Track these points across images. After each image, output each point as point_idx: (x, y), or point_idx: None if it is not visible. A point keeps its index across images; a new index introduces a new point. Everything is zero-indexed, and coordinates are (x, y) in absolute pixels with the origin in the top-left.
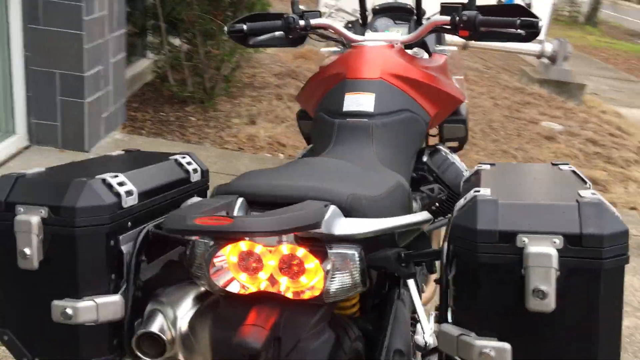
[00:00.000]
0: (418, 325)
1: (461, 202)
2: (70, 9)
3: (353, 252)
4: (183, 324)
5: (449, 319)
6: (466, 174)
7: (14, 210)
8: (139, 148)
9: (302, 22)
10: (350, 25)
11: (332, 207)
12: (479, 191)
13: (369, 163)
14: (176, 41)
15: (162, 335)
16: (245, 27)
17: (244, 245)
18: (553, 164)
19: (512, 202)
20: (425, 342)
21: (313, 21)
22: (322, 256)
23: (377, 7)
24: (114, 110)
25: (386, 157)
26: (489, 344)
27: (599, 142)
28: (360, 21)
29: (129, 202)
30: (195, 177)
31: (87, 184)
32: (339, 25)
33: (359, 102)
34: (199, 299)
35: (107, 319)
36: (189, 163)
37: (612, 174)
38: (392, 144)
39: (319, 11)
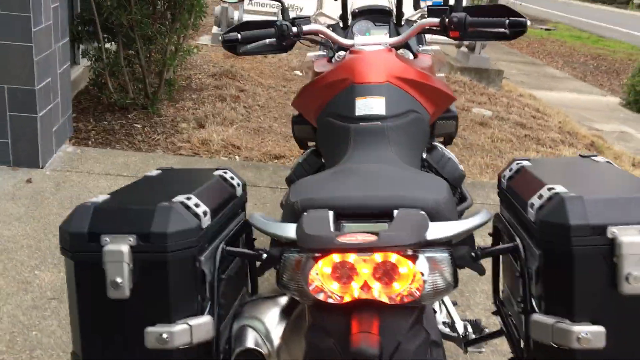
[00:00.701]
0: (437, 315)
1: (537, 200)
2: (19, 20)
3: (445, 255)
4: (276, 337)
5: (536, 309)
6: (507, 172)
7: (99, 241)
8: (119, 161)
9: (294, 29)
10: (331, 28)
11: (424, 214)
12: (553, 188)
13: (397, 164)
14: (112, 47)
15: (260, 350)
16: (239, 36)
17: (336, 256)
18: (583, 156)
19: (597, 197)
20: (466, 332)
21: (305, 27)
22: (415, 260)
23: (356, 10)
24: (62, 122)
25: (403, 157)
26: (586, 329)
27: (526, 125)
28: (341, 24)
29: (205, 222)
30: (239, 191)
31: (172, 209)
32: (330, 30)
33: (370, 106)
34: (286, 311)
35: (199, 340)
36: (232, 178)
37: (545, 154)
38: (406, 144)
39: (309, 17)
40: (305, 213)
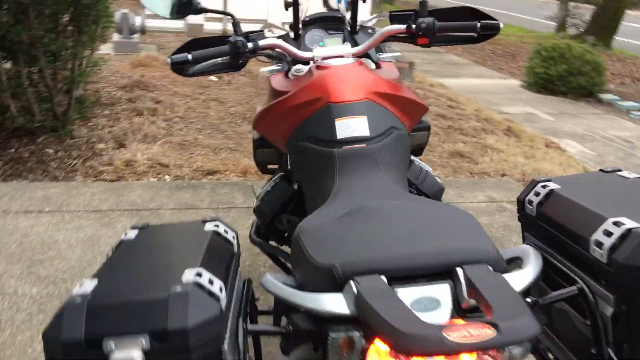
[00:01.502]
0: None
1: (604, 237)
2: None
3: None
4: None
5: (613, 357)
6: (534, 197)
7: (101, 348)
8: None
9: (250, 45)
10: (281, 40)
11: (497, 273)
12: (622, 223)
13: (395, 192)
14: (7, 66)
15: None
16: (190, 56)
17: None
18: (605, 171)
19: None
20: None
21: (261, 42)
22: None
23: (307, 19)
24: None
25: (395, 180)
26: None
27: (446, 116)
28: (292, 35)
29: (224, 301)
30: (235, 246)
31: (189, 295)
32: (287, 44)
33: (352, 127)
34: None
35: None
36: (226, 231)
37: (471, 144)
38: (394, 165)
39: (262, 31)
40: (353, 282)
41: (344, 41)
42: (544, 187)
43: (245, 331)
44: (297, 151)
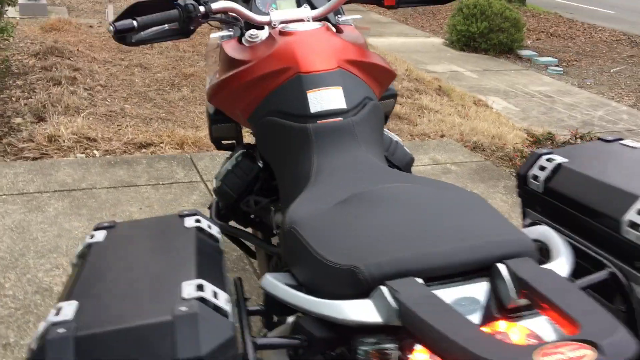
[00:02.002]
0: None
1: (639, 217)
2: None
3: None
4: None
5: None
6: (538, 171)
7: None
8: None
9: (202, 8)
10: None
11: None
12: None
13: (387, 172)
14: None
15: None
16: (135, 23)
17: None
18: (607, 140)
19: None
20: None
21: (214, 6)
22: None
23: None
24: None
25: (376, 156)
26: None
27: None
28: None
29: (231, 315)
30: (222, 243)
31: (198, 317)
32: (242, 7)
33: (327, 99)
34: None
35: None
36: (209, 227)
37: (407, 106)
38: (372, 138)
39: None
40: (385, 288)
41: (299, 3)
42: (549, 160)
43: (255, 346)
44: (263, 127)
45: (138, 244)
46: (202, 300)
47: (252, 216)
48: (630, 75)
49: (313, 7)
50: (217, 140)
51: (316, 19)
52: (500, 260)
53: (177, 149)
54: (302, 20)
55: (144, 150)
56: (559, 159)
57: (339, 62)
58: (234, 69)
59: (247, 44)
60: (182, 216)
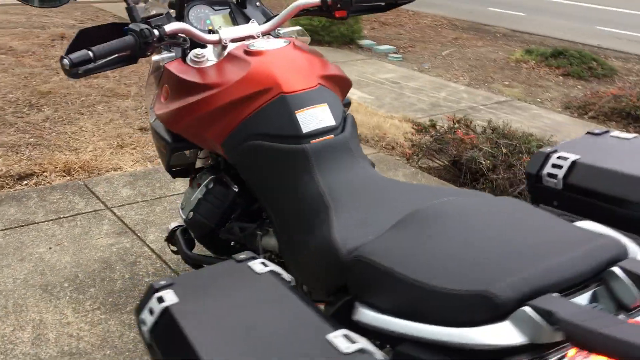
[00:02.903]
0: None
1: None
2: None
3: None
4: None
5: None
6: (554, 169)
7: None
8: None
9: (156, 32)
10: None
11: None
12: None
13: (401, 185)
14: None
15: None
16: (91, 53)
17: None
18: (593, 134)
19: None
20: None
21: (167, 28)
22: None
23: None
24: None
25: (371, 168)
26: None
27: None
28: (175, 13)
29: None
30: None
31: None
32: (193, 28)
33: (317, 117)
34: None
35: None
36: (264, 264)
37: None
38: (359, 150)
39: (163, 13)
40: (529, 308)
41: (233, 18)
42: (560, 158)
43: None
44: (245, 151)
45: (223, 299)
46: (363, 351)
47: (232, 244)
48: (460, 57)
49: (248, 19)
50: (176, 169)
51: (265, 34)
52: (612, 263)
53: (65, 176)
54: (252, 37)
55: (25, 182)
56: (571, 156)
57: (317, 78)
58: (198, 94)
59: (193, 65)
60: (240, 261)
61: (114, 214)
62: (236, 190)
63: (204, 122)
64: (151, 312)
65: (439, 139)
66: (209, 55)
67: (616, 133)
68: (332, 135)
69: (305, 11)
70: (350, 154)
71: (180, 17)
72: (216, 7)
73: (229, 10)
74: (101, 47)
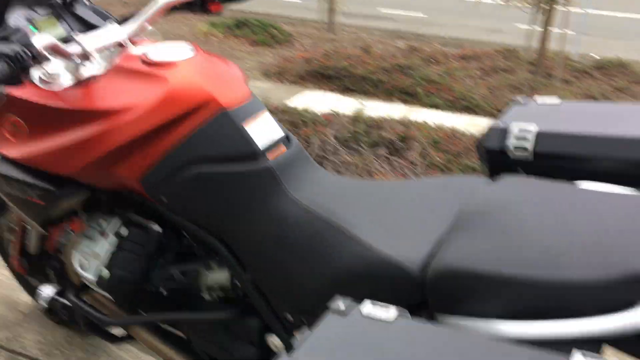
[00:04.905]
0: None
1: None
2: None
3: None
4: None
5: None
6: (520, 142)
7: None
8: None
9: (29, 53)
10: None
11: None
12: None
13: (367, 184)
14: None
15: None
16: None
17: None
18: (520, 102)
19: None
20: None
21: (38, 45)
22: None
23: None
24: None
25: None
26: None
27: None
28: None
29: None
30: None
31: None
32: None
33: (265, 129)
34: None
35: None
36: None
37: None
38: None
39: (19, 28)
40: None
41: (59, 19)
42: (522, 130)
43: None
44: (180, 184)
45: None
46: None
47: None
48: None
49: (84, 22)
50: (55, 216)
51: (131, 37)
52: None
53: None
54: (121, 45)
55: None
56: (531, 127)
57: (245, 85)
58: (95, 124)
59: (43, 86)
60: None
61: None
62: (160, 231)
63: (113, 158)
64: None
65: None
66: (59, 71)
67: (541, 100)
68: (285, 147)
69: (175, 9)
70: (311, 164)
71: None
72: (35, 8)
73: (51, 12)
74: None
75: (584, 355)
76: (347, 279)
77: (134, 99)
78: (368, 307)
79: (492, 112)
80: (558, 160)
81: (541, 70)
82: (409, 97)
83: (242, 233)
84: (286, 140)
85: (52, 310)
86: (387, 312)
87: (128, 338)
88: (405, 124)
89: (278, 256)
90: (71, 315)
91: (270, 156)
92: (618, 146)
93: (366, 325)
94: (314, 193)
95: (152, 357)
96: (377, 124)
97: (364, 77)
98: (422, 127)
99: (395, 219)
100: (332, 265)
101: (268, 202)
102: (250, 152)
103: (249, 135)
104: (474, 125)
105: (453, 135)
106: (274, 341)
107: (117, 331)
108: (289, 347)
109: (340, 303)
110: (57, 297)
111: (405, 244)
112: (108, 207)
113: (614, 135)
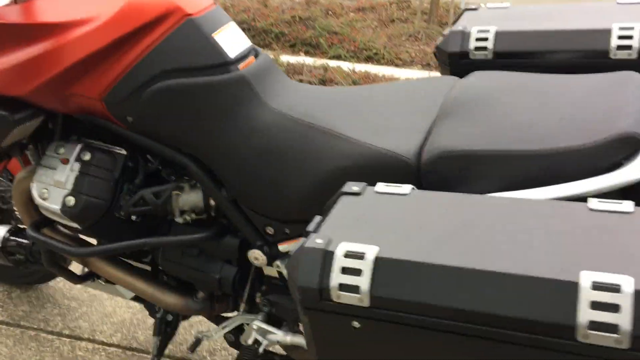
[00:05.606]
0: None
1: (621, 41)
2: None
3: None
4: None
5: None
6: (479, 43)
7: None
8: None
9: None
10: None
11: None
12: (625, 27)
13: (343, 90)
14: None
15: None
16: None
17: None
18: (471, 9)
19: None
20: None
21: None
22: None
23: None
24: None
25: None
26: None
27: None
28: None
29: None
30: None
31: None
32: None
33: (235, 39)
34: None
35: None
36: None
37: None
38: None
39: None
40: None
41: None
42: (481, 31)
43: None
44: (147, 99)
45: None
46: None
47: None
48: None
49: None
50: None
51: None
52: None
53: None
54: None
55: None
56: (491, 28)
57: None
58: (48, 40)
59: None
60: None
61: None
62: (125, 153)
63: (68, 77)
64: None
65: None
66: None
67: (491, 4)
68: (253, 57)
69: None
70: (282, 74)
71: None
72: None
73: None
74: None
75: (599, 200)
76: (340, 177)
77: (90, 10)
78: (381, 186)
79: (394, 60)
80: (517, 57)
81: (434, 18)
82: (312, 48)
83: (218, 148)
84: (254, 50)
85: (6, 251)
86: (401, 189)
87: (90, 276)
88: (324, 67)
89: (261, 168)
90: (29, 254)
91: (241, 66)
92: (572, 38)
93: (383, 201)
94: (293, 101)
95: (100, 304)
96: (294, 69)
97: (265, 30)
98: (337, 71)
99: (381, 116)
100: (323, 167)
101: (245, 113)
102: (221, 61)
103: (218, 43)
104: (379, 70)
105: (368, 76)
106: (255, 254)
107: (79, 271)
108: (272, 259)
109: (352, 186)
110: (11, 236)
111: (395, 136)
112: (63, 135)
113: (567, 28)
